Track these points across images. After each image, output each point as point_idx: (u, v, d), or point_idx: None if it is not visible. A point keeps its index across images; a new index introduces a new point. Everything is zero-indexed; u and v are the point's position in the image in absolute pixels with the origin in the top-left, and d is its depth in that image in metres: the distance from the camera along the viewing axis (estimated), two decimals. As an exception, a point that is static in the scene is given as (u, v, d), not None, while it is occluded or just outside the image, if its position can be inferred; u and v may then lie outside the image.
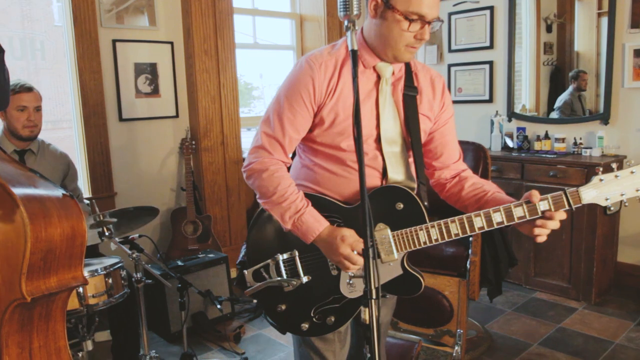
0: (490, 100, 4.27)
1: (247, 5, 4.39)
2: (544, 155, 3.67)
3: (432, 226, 1.43)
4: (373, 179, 1.52)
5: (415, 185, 1.55)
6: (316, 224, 1.43)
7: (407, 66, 1.56)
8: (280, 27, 4.75)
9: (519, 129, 4.02)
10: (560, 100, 4.02)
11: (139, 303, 2.26)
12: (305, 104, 1.46)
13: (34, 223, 1.14)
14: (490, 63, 4.23)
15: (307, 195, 1.50)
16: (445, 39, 4.46)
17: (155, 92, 3.81)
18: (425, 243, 1.43)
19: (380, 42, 1.45)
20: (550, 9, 4.09)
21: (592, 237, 3.42)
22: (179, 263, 3.29)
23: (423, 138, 1.57)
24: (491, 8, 4.15)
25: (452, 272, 2.74)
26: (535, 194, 1.39)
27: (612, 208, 1.38)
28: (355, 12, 1.28)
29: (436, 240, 1.43)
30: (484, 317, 3.35)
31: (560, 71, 4.10)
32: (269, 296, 1.56)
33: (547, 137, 3.88)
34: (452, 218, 1.42)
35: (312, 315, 1.53)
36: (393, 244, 1.44)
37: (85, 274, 2.21)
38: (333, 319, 1.52)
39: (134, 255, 2.22)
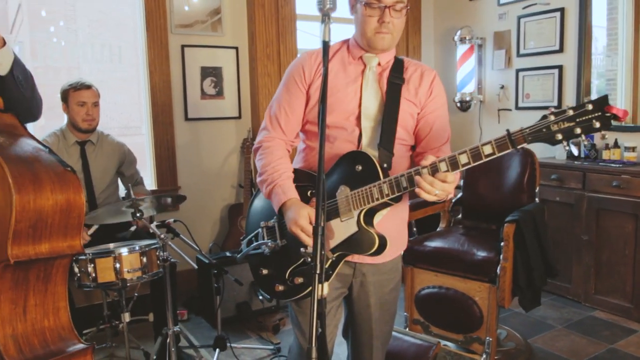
0: (559, 106, 4.05)
1: (313, 12, 4.54)
2: (609, 165, 3.42)
3: (384, 182, 1.50)
4: (349, 150, 1.64)
5: (377, 153, 1.63)
6: (282, 195, 1.61)
7: (399, 62, 1.72)
8: (345, 32, 4.85)
9: (587, 136, 3.76)
10: None
11: (166, 281, 2.44)
12: (297, 85, 1.69)
13: (21, 194, 1.31)
14: (560, 67, 4.02)
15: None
16: (514, 43, 4.31)
17: (219, 94, 4.07)
18: (377, 199, 1.51)
19: (358, 34, 1.66)
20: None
21: (659, 255, 3.14)
22: (227, 254, 3.48)
23: (409, 121, 1.69)
24: (561, 10, 3.96)
25: (483, 277, 2.67)
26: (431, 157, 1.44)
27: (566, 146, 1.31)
28: (328, 6, 1.43)
29: (387, 195, 1.49)
30: (531, 330, 3.19)
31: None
32: (256, 261, 1.76)
33: (616, 145, 3.61)
34: (402, 172, 1.48)
35: (286, 277, 1.66)
36: (351, 202, 1.55)
37: (124, 251, 2.46)
38: (301, 280, 1.63)
39: (162, 236, 2.41)
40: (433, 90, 1.70)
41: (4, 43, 1.49)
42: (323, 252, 1.32)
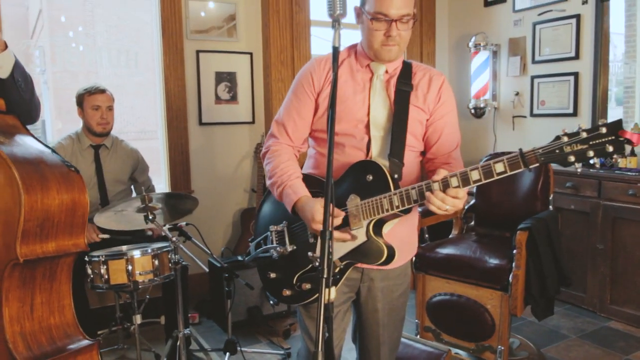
0: (575, 113, 4.01)
1: (327, 18, 4.55)
2: (625, 173, 3.37)
3: (395, 194, 1.49)
4: (358, 158, 1.65)
5: (388, 163, 1.63)
6: (293, 195, 1.61)
7: (407, 67, 1.71)
8: (356, 38, 4.85)
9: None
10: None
11: (177, 284, 2.46)
12: (306, 93, 1.69)
13: (30, 194, 1.33)
14: (576, 74, 3.98)
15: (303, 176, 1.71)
16: (529, 50, 4.28)
17: (233, 99, 4.10)
18: (387, 210, 1.50)
19: (364, 44, 1.65)
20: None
21: (677, 265, 3.08)
22: (239, 258, 3.49)
23: (418, 128, 1.68)
24: (577, 16, 3.92)
25: (495, 285, 2.65)
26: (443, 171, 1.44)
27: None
28: (339, 12, 1.43)
29: (397, 207, 1.49)
30: (544, 340, 3.14)
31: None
32: (264, 265, 1.77)
33: (633, 153, 3.56)
34: (413, 185, 1.47)
35: (294, 282, 1.67)
36: (361, 212, 1.54)
37: (137, 253, 2.48)
38: (308, 286, 1.64)
39: (174, 239, 2.43)
40: (442, 95, 1.69)
41: (6, 47, 1.52)
42: (331, 257, 1.33)
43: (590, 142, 1.24)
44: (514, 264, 2.56)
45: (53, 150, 1.50)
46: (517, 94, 4.38)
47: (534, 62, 4.26)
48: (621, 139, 1.21)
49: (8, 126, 1.57)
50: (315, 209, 1.54)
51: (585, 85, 3.94)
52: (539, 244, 2.56)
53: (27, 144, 1.49)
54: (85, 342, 1.49)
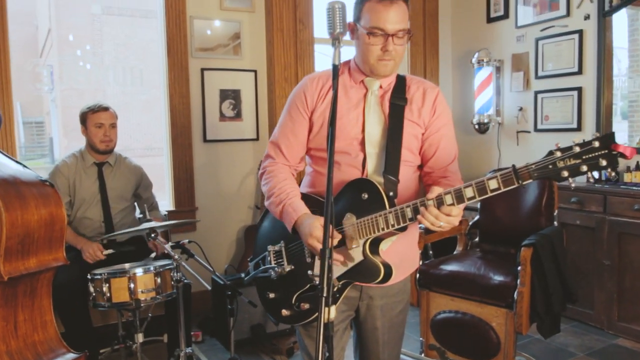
0: (578, 128, 4.00)
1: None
2: (631, 188, 3.35)
3: (390, 212, 1.49)
4: (354, 175, 1.65)
5: (383, 180, 1.62)
6: (293, 213, 1.61)
7: (401, 80, 1.69)
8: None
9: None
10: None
11: (179, 302, 2.45)
12: (300, 111, 1.70)
13: (9, 211, 1.34)
14: (579, 89, 3.98)
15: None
16: (532, 65, 4.29)
17: (237, 116, 4.12)
18: (383, 229, 1.50)
19: (359, 59, 1.64)
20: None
21: (685, 281, 3.04)
22: (242, 275, 3.47)
23: (413, 142, 1.67)
24: (580, 32, 3.93)
25: (500, 302, 2.62)
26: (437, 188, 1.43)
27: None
28: (339, 30, 1.45)
29: (393, 225, 1.48)
30: (551, 358, 3.10)
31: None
32: (262, 284, 1.76)
33: (638, 168, 3.54)
34: (408, 203, 1.47)
35: (293, 302, 1.67)
36: (357, 230, 1.54)
37: (139, 271, 2.48)
38: (307, 306, 1.63)
39: (176, 257, 2.43)
40: (437, 108, 1.68)
41: None
42: (330, 275, 1.32)
43: (584, 157, 1.24)
44: (518, 281, 2.54)
45: (24, 166, 1.51)
46: (521, 109, 4.38)
47: (537, 77, 4.27)
48: (614, 152, 1.21)
49: None
50: (313, 225, 1.54)
51: (589, 100, 3.94)
52: (543, 260, 2.54)
53: (1, 162, 1.49)
54: (71, 355, 1.49)
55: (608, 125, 3.86)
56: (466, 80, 4.82)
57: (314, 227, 1.53)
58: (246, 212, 4.20)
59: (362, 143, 1.64)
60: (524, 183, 1.32)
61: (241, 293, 2.85)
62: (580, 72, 3.97)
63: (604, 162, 1.21)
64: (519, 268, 2.54)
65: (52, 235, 1.44)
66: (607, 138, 1.21)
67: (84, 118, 2.88)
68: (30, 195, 1.41)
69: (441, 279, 2.83)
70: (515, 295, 2.54)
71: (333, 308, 1.34)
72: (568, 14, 4.01)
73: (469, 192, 1.38)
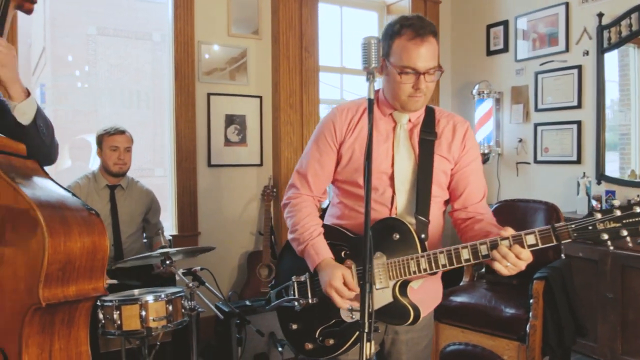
0: (578, 161, 4.08)
1: (335, 64, 4.66)
2: (633, 221, 3.40)
3: (422, 256, 1.49)
4: (382, 213, 1.63)
5: (415, 221, 1.61)
6: (315, 256, 1.60)
7: (430, 113, 1.70)
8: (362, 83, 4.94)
9: (607, 192, 3.78)
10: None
11: (192, 330, 2.41)
12: (328, 143, 1.69)
13: (53, 237, 1.32)
14: (578, 123, 4.07)
15: (324, 226, 1.68)
16: (532, 98, 4.38)
17: (242, 141, 4.13)
18: (415, 272, 1.49)
19: (389, 94, 1.65)
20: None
21: (688, 315, 3.08)
22: (247, 303, 3.44)
23: (442, 178, 1.67)
24: (579, 67, 4.04)
25: (512, 335, 2.62)
26: (510, 229, 1.42)
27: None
28: (373, 65, 1.44)
29: (424, 270, 1.48)
30: (557, 391, 3.10)
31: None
32: (285, 315, 1.74)
33: (638, 202, 3.60)
34: (441, 249, 1.47)
35: (316, 336, 1.64)
36: (387, 271, 1.53)
37: (150, 298, 2.44)
38: (332, 342, 1.61)
39: (190, 285, 2.40)
40: (466, 143, 1.68)
41: (29, 94, 1.55)
42: (371, 310, 1.31)
43: (624, 221, 1.26)
44: (530, 314, 2.55)
45: (73, 194, 1.50)
46: (521, 140, 4.46)
47: (536, 110, 4.36)
48: None
49: (29, 170, 1.57)
50: (334, 274, 1.53)
51: (589, 133, 4.03)
52: (555, 293, 2.56)
53: (48, 188, 1.48)
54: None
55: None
56: (466, 111, 4.90)
57: (334, 277, 1.53)
58: (249, 238, 4.18)
59: (392, 178, 1.63)
60: (563, 242, 1.32)
61: (250, 322, 2.82)
62: (579, 106, 4.06)
63: None
64: (531, 301, 2.56)
65: (93, 264, 1.42)
66: None
67: (100, 140, 2.88)
68: (75, 222, 1.40)
69: (451, 310, 2.83)
70: (527, 329, 2.55)
71: (372, 343, 1.34)
72: (567, 49, 4.13)
73: (483, 249, 1.41)
